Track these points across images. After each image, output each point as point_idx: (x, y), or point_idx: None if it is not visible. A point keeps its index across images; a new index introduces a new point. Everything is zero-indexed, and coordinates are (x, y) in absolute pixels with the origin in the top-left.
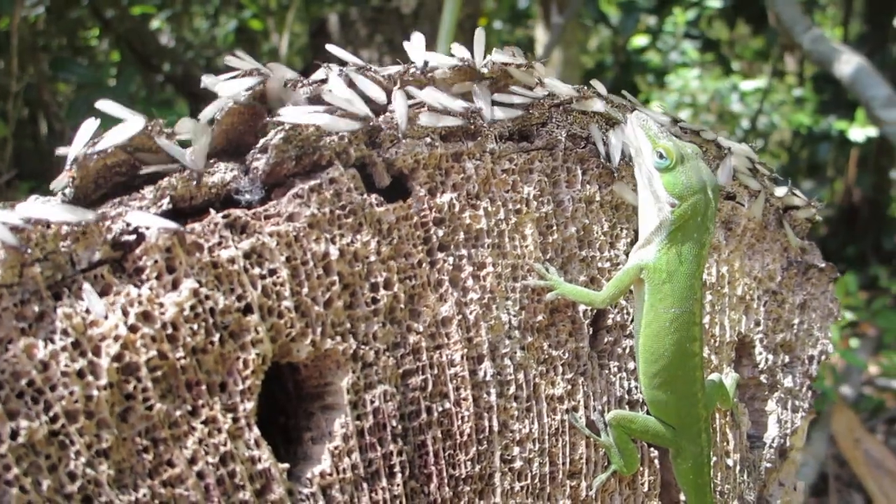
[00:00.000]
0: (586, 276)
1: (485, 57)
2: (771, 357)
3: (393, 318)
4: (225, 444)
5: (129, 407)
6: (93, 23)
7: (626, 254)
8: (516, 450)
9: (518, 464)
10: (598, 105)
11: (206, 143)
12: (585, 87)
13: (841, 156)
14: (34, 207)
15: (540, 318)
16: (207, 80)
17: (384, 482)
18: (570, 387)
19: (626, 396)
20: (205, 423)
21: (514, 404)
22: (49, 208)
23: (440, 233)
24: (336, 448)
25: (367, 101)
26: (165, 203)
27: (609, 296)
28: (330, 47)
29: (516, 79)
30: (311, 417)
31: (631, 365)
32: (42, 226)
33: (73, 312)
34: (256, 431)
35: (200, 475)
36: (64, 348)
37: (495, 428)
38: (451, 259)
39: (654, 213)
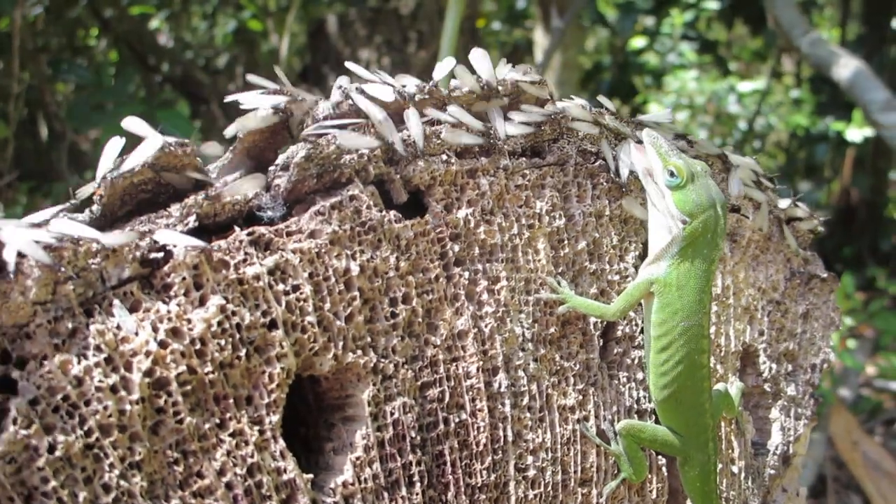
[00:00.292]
0: (597, 288)
1: (494, 70)
2: (774, 366)
3: (411, 332)
4: (252, 456)
5: (160, 420)
6: (91, 23)
7: (635, 267)
8: (530, 459)
9: (531, 472)
10: (605, 119)
11: (229, 161)
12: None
13: (838, 157)
14: (72, 226)
15: (552, 330)
16: (236, 97)
17: (404, 491)
18: (581, 397)
19: (636, 406)
20: (232, 435)
21: (528, 414)
22: (87, 230)
23: (456, 248)
24: (357, 458)
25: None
26: (192, 221)
27: (620, 309)
28: (349, 65)
29: (529, 94)
30: (333, 428)
31: (640, 375)
32: (73, 243)
33: (105, 329)
34: (282, 443)
35: (229, 486)
36: (97, 364)
37: (510, 438)
38: (466, 274)
39: (665, 229)
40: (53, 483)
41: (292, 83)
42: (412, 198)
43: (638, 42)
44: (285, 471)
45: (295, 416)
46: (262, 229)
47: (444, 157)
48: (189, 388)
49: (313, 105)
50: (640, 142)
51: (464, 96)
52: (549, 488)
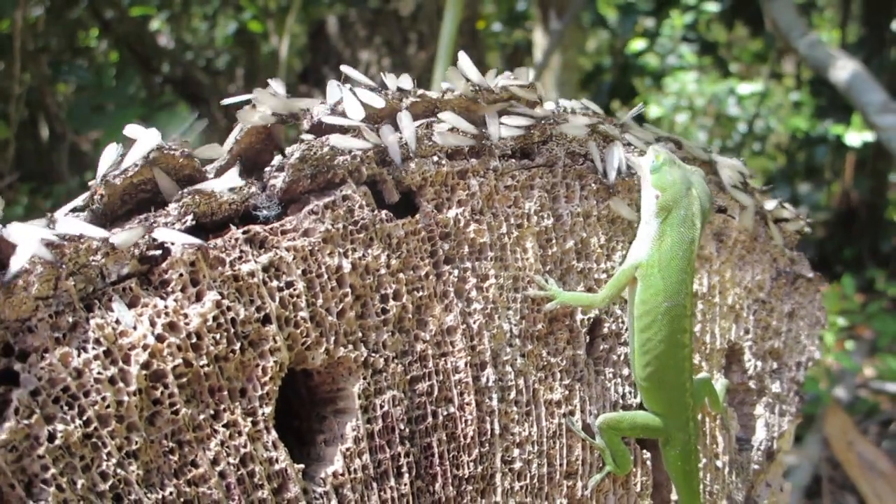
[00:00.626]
0: (584, 286)
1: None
2: (759, 363)
3: (401, 328)
4: (245, 446)
5: (157, 411)
6: (92, 24)
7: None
8: (516, 451)
9: (518, 465)
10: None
11: (226, 162)
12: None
13: (838, 159)
14: (79, 225)
15: (539, 326)
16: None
17: (392, 482)
18: (567, 392)
19: (621, 402)
20: (226, 426)
21: (515, 408)
22: (94, 229)
23: (446, 246)
24: (348, 450)
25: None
26: (189, 219)
27: (608, 295)
28: (345, 68)
29: (520, 98)
30: (324, 421)
31: (626, 371)
32: (75, 241)
33: (105, 323)
34: (274, 434)
35: (222, 475)
36: (97, 357)
37: (497, 431)
38: (456, 271)
39: (646, 210)
40: (53, 470)
41: (293, 84)
42: (404, 198)
43: (638, 44)
44: (277, 461)
45: (289, 409)
46: (257, 228)
47: (435, 158)
48: (185, 380)
49: (309, 108)
50: (627, 144)
51: (456, 100)
52: (535, 480)
